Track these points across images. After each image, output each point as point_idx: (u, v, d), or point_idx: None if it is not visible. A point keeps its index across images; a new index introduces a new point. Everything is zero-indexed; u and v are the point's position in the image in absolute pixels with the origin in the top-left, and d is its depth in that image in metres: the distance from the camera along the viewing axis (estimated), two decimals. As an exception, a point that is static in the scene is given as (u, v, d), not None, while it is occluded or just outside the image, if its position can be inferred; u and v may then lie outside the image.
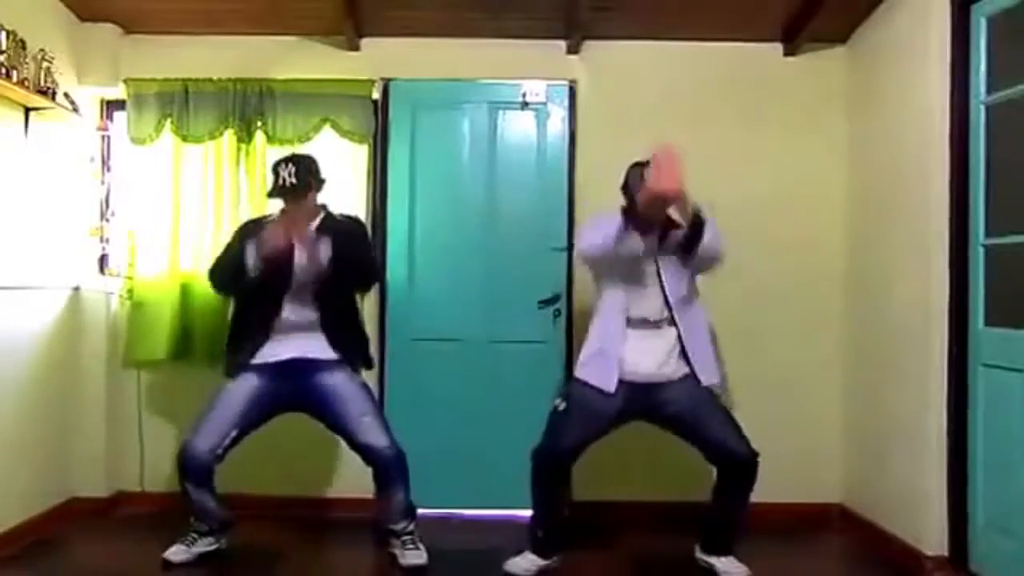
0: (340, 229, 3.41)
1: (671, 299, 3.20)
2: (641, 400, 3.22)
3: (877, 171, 3.87)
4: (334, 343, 3.36)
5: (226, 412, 3.30)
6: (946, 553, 3.30)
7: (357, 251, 3.40)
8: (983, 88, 3.23)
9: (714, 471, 3.32)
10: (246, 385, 3.33)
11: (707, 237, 3.04)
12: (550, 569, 3.35)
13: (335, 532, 3.87)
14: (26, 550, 3.47)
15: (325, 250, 3.32)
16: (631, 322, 3.21)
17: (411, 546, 3.41)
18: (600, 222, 3.13)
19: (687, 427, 3.26)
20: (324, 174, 3.45)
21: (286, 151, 3.75)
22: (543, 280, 4.13)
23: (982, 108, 3.23)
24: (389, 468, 3.35)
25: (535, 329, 4.14)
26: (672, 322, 3.21)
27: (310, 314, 3.36)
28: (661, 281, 3.21)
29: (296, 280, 3.33)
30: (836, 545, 3.93)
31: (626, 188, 3.21)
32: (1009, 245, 3.11)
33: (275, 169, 3.35)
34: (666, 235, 3.20)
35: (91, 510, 3.96)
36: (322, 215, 3.44)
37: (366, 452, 3.36)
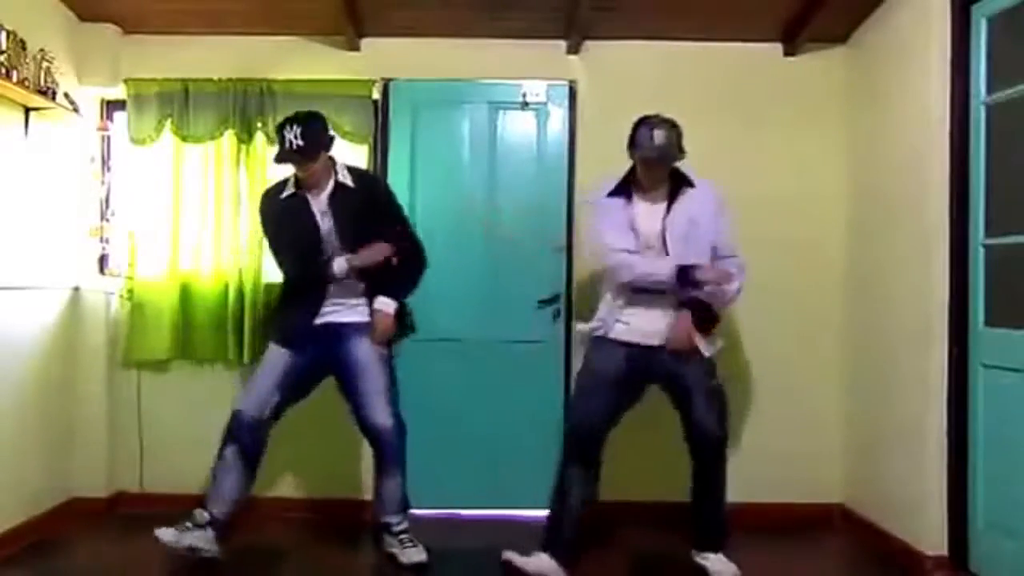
0: (355, 201, 3.39)
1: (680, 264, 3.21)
2: (650, 362, 3.25)
3: (877, 171, 3.87)
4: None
5: (267, 378, 3.38)
6: (946, 553, 3.30)
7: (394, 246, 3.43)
8: (983, 88, 3.23)
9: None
10: (284, 352, 3.39)
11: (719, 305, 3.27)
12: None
13: (337, 533, 3.86)
14: (26, 550, 3.47)
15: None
16: (640, 288, 3.23)
17: (409, 544, 3.40)
18: (612, 224, 3.26)
19: (680, 395, 3.29)
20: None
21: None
22: (543, 280, 4.13)
23: (982, 108, 3.23)
24: (388, 449, 3.38)
25: (535, 329, 4.14)
26: None
27: (356, 287, 3.39)
28: (666, 248, 3.23)
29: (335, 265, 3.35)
30: (836, 545, 3.93)
31: (632, 145, 3.24)
32: (1009, 245, 3.11)
33: (280, 132, 3.31)
34: (673, 201, 3.27)
35: (91, 510, 3.95)
36: (332, 183, 3.40)
37: (369, 429, 3.39)
